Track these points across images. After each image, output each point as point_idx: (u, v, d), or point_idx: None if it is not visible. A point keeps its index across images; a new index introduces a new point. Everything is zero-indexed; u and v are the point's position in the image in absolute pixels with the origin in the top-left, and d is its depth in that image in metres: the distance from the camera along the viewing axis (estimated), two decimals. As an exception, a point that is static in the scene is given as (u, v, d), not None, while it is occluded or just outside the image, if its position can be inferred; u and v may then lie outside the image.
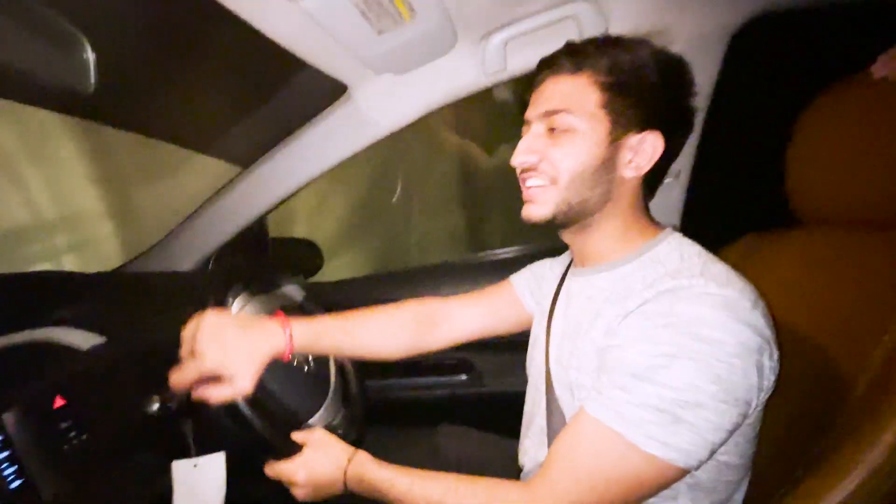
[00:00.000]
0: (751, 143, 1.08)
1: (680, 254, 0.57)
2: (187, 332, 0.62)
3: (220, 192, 1.08)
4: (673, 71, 0.59)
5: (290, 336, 0.65)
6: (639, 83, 0.57)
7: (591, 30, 0.80)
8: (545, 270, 0.80)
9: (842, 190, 0.64)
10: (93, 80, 0.54)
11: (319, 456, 0.65)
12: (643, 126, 0.57)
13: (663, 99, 0.58)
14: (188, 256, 1.13)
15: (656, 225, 0.63)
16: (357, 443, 0.76)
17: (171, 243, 1.13)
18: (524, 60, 0.84)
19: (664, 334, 0.50)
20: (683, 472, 0.49)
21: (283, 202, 1.07)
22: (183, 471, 0.65)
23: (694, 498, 0.55)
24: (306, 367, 0.82)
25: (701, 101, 0.90)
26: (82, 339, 0.72)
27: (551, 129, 0.59)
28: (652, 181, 0.61)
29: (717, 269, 0.53)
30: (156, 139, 0.97)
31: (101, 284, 1.03)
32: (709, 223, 0.99)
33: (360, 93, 0.89)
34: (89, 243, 1.21)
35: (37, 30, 0.48)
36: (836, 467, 0.47)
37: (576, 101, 0.57)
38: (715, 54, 0.87)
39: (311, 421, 0.79)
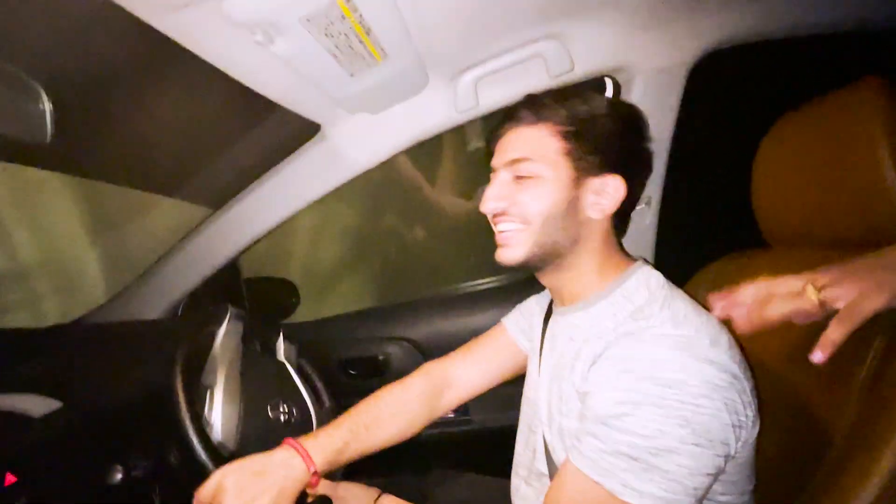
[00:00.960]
0: (717, 169, 1.13)
1: (647, 287, 0.59)
2: (205, 494, 0.57)
3: (189, 234, 1.04)
4: (628, 118, 0.63)
5: (309, 460, 0.60)
6: (596, 130, 0.60)
7: (558, 67, 0.82)
8: (532, 306, 0.80)
9: (806, 211, 0.66)
10: (49, 129, 0.51)
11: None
12: (603, 170, 0.60)
13: (620, 144, 0.61)
14: (156, 303, 1.08)
15: (628, 258, 0.65)
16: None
17: (138, 290, 1.08)
18: (495, 97, 0.86)
19: (626, 380, 0.50)
20: None
21: (255, 243, 1.04)
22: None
23: None
24: (285, 418, 0.78)
25: (665, 129, 0.94)
26: (35, 405, 0.66)
27: (517, 177, 0.61)
28: (621, 219, 0.64)
29: (678, 305, 0.55)
30: (120, 186, 0.93)
31: (55, 340, 0.96)
32: (682, 248, 1.01)
33: (333, 131, 0.89)
34: (60, 290, 1.14)
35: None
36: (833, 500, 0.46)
37: (538, 149, 0.60)
38: (675, 87, 0.91)
39: None
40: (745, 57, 0.91)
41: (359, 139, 0.89)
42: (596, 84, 0.92)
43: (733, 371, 0.50)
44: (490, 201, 0.63)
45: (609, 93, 0.93)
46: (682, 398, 0.47)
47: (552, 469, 0.61)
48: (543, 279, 0.66)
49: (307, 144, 0.92)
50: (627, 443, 0.48)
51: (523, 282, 1.21)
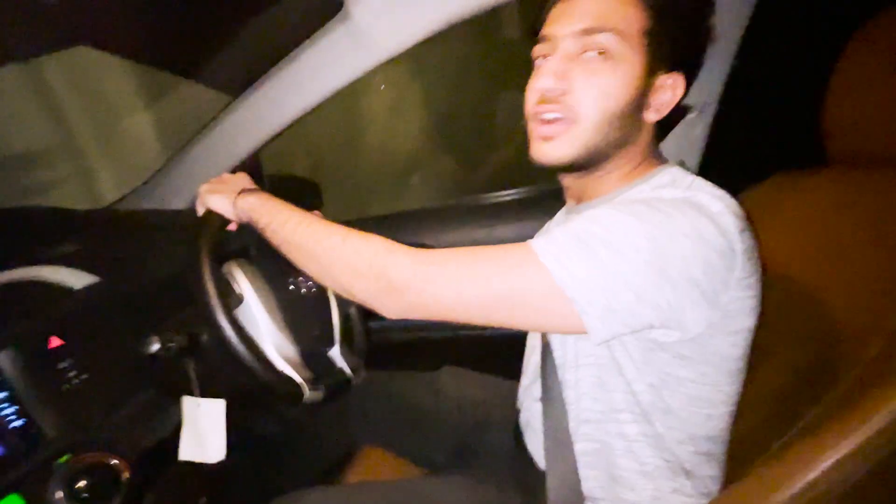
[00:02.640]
0: (784, 78, 1.00)
1: (672, 178, 0.54)
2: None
3: (209, 124, 1.00)
4: (705, 8, 0.57)
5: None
6: (680, 15, 0.53)
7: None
8: (555, 219, 0.77)
9: (886, 125, 0.58)
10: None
11: (244, 177, 0.70)
12: (674, 66, 0.54)
13: (699, 35, 0.56)
14: (180, 194, 1.08)
15: (661, 160, 0.60)
16: (347, 387, 0.76)
17: (162, 181, 1.07)
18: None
19: (621, 202, 0.49)
20: (569, 310, 0.44)
21: (277, 136, 1.00)
22: (190, 407, 0.65)
23: (668, 425, 0.54)
24: (305, 290, 0.80)
25: (737, 25, 0.82)
26: (74, 278, 0.69)
27: (587, 53, 0.51)
28: (666, 123, 0.58)
29: (706, 187, 0.50)
30: (134, 61, 0.88)
31: (92, 222, 0.99)
32: (732, 161, 0.93)
33: (357, 7, 0.79)
34: (82, 176, 1.15)
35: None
36: (841, 423, 0.44)
37: (620, 20, 0.50)
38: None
39: (312, 358, 0.78)
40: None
41: (386, 17, 0.79)
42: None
43: (734, 245, 0.46)
44: (547, 77, 0.52)
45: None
46: (665, 227, 0.44)
47: (546, 359, 0.62)
48: (568, 179, 0.60)
49: (329, 24, 0.83)
50: (585, 227, 0.46)
51: (550, 193, 1.16)
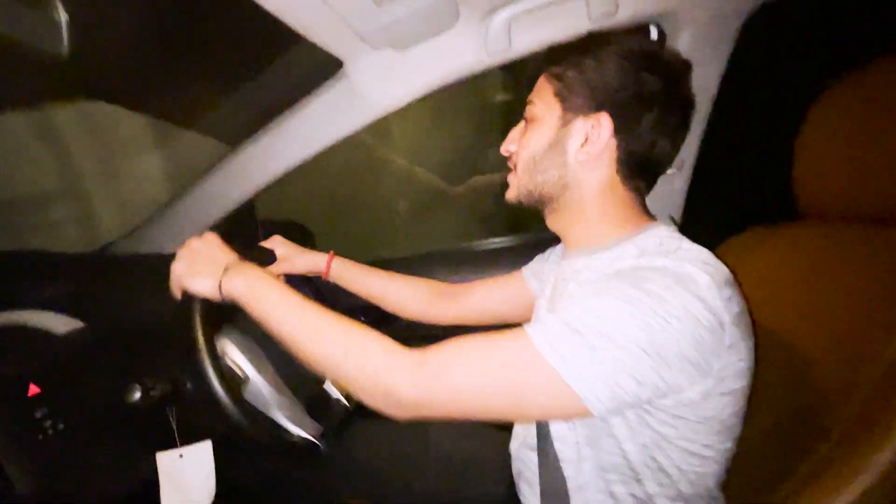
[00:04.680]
0: (757, 134, 1.07)
1: (660, 241, 0.56)
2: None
3: (208, 172, 1.03)
4: (636, 54, 0.59)
5: (330, 262, 0.85)
6: (595, 70, 0.59)
7: (599, 9, 0.76)
8: (549, 257, 0.82)
9: (851, 183, 0.61)
10: (65, 41, 0.49)
11: (219, 244, 0.65)
12: (593, 110, 0.59)
13: (618, 80, 0.58)
14: (174, 238, 1.08)
15: (647, 217, 0.63)
16: (342, 432, 0.75)
17: (156, 225, 1.08)
18: (529, 40, 0.81)
19: (609, 282, 0.50)
20: (577, 403, 0.46)
21: (272, 184, 1.03)
22: (168, 462, 0.63)
23: (661, 483, 0.54)
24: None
25: (709, 86, 0.88)
26: (59, 323, 0.68)
27: (526, 121, 0.65)
28: (630, 169, 0.60)
29: (691, 254, 0.52)
30: (138, 113, 0.91)
31: (81, 265, 0.99)
32: (711, 215, 0.97)
33: (356, 69, 0.85)
34: (80, 218, 1.15)
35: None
36: (826, 484, 0.45)
37: (538, 93, 0.63)
38: (725, 40, 0.84)
39: (284, 403, 0.76)
40: (803, 13, 0.83)
41: (382, 78, 0.85)
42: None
43: (721, 318, 0.47)
44: (504, 144, 0.67)
45: (654, 36, 0.86)
46: (655, 309, 0.46)
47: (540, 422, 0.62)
48: (548, 223, 0.67)
49: (328, 82, 0.88)
50: (579, 318, 0.47)
51: (542, 241, 1.18)
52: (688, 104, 0.62)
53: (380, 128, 1.08)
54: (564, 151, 0.60)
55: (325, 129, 0.92)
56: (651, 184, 0.64)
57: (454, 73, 0.85)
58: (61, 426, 0.58)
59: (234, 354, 0.70)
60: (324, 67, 0.86)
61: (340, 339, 0.53)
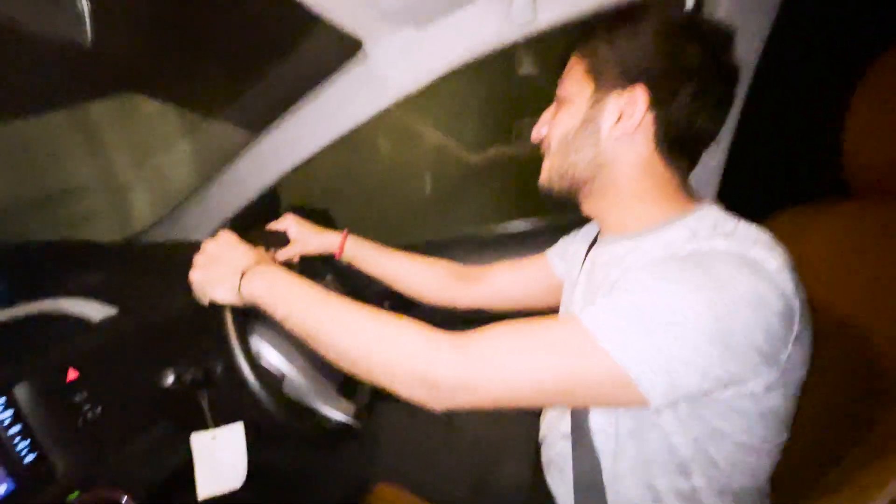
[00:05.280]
0: (803, 108, 1.00)
1: (713, 222, 0.52)
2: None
3: (232, 159, 1.03)
4: (675, 27, 0.55)
5: (344, 241, 0.82)
6: (625, 41, 0.55)
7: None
8: (575, 239, 0.79)
9: None
10: (89, 30, 0.49)
11: (234, 244, 0.64)
12: (626, 82, 0.55)
13: (649, 53, 0.54)
14: (202, 225, 1.10)
15: (691, 198, 0.59)
16: (367, 412, 0.76)
17: (184, 212, 1.10)
18: (555, 12, 0.77)
19: (671, 266, 0.46)
20: (634, 392, 0.43)
21: (296, 169, 1.03)
22: (202, 443, 0.64)
23: (710, 476, 0.51)
24: None
25: (749, 56, 0.83)
26: (94, 311, 0.70)
27: (557, 103, 0.62)
28: (673, 144, 0.56)
29: (751, 233, 0.49)
30: (161, 101, 0.92)
31: (113, 254, 1.01)
32: (750, 192, 0.92)
33: (376, 49, 0.82)
34: (115, 208, 1.19)
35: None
36: (875, 473, 0.42)
37: (568, 73, 0.60)
38: (768, 7, 0.78)
39: (319, 389, 0.77)
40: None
41: (402, 58, 0.82)
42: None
43: (792, 304, 0.44)
44: (535, 128, 0.64)
45: (690, 5, 0.81)
46: (724, 295, 0.42)
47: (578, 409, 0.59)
48: (584, 208, 0.63)
49: (348, 64, 0.87)
50: (639, 301, 0.43)
51: (567, 225, 1.15)
52: (731, 75, 0.57)
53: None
54: (598, 129, 0.57)
55: (347, 112, 0.91)
56: (694, 162, 0.59)
57: (477, 49, 0.81)
58: (99, 410, 0.60)
59: (268, 354, 0.70)
60: (343, 49, 0.84)
61: (369, 327, 0.51)
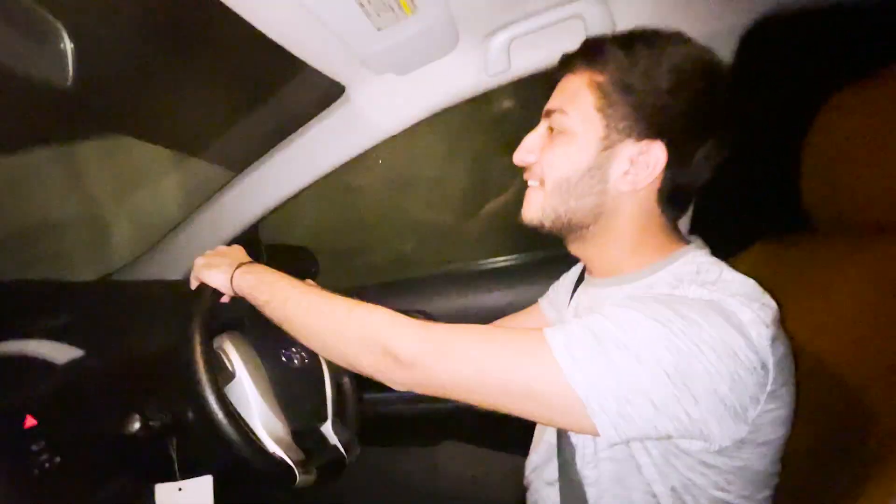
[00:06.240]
0: (762, 145, 1.06)
1: (697, 268, 0.51)
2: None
3: (212, 198, 1.04)
4: (696, 73, 0.51)
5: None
6: (644, 84, 0.51)
7: (598, 29, 0.77)
8: (561, 284, 0.78)
9: (861, 192, 0.60)
10: (70, 72, 0.50)
11: (239, 250, 0.72)
12: (644, 134, 0.51)
13: (674, 103, 0.50)
14: (178, 265, 1.08)
15: (679, 240, 0.57)
16: (341, 466, 0.72)
17: (162, 251, 1.09)
18: (529, 61, 0.82)
19: (642, 300, 0.46)
20: (583, 414, 0.42)
21: (277, 208, 1.03)
22: (166, 495, 0.61)
23: None
24: (298, 362, 0.77)
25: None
26: (59, 353, 0.67)
27: (551, 129, 0.56)
28: (672, 197, 0.54)
29: (734, 286, 0.47)
30: (143, 141, 0.92)
31: (81, 293, 0.98)
32: (719, 229, 0.96)
33: (358, 94, 0.86)
34: (80, 250, 1.16)
35: (7, 16, 0.44)
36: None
37: (572, 101, 0.54)
38: (723, 55, 0.84)
39: (303, 436, 0.74)
40: (801, 25, 0.84)
41: (384, 102, 0.86)
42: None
43: (765, 360, 0.42)
44: (519, 151, 0.58)
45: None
46: (688, 333, 0.41)
47: (562, 438, 0.58)
48: (570, 248, 0.60)
49: (331, 107, 0.89)
50: (601, 324, 0.44)
51: (548, 259, 1.17)
52: (738, 126, 0.54)
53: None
54: (605, 178, 0.53)
55: (329, 153, 0.93)
56: (686, 209, 0.59)
57: (455, 95, 0.85)
58: (58, 459, 0.56)
59: (229, 350, 0.68)
60: (326, 93, 0.87)
61: (340, 308, 0.53)
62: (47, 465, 0.55)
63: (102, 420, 0.61)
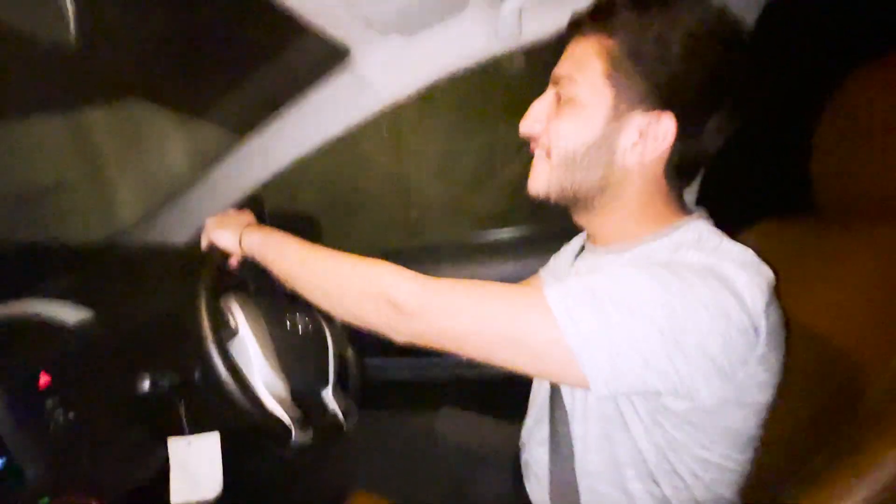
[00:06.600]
0: (773, 123, 1.03)
1: (698, 237, 0.52)
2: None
3: (215, 161, 1.03)
4: (712, 40, 0.48)
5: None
6: (654, 52, 0.48)
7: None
8: (561, 254, 0.78)
9: (872, 175, 0.59)
10: (72, 30, 0.49)
11: (247, 214, 0.73)
12: (654, 105, 0.50)
13: (686, 71, 0.48)
14: (182, 228, 1.09)
15: (683, 210, 0.57)
16: (338, 431, 0.74)
17: (166, 214, 1.09)
18: (541, 26, 0.78)
19: (640, 263, 0.47)
20: (576, 370, 0.43)
21: (280, 174, 1.02)
22: (178, 449, 0.63)
23: (675, 486, 0.52)
24: (302, 328, 0.78)
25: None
26: (69, 314, 0.69)
27: (559, 98, 0.54)
28: (681, 169, 0.53)
29: (732, 253, 0.48)
30: (148, 101, 0.91)
31: (90, 255, 0.99)
32: (724, 205, 0.95)
33: (363, 57, 0.83)
34: (85, 209, 1.16)
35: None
36: (835, 483, 0.43)
37: (580, 68, 0.52)
38: (745, 20, 0.81)
39: (303, 398, 0.76)
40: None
41: (390, 66, 0.83)
42: None
43: (757, 323, 0.43)
44: (526, 121, 0.56)
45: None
46: (684, 293, 0.42)
47: (554, 400, 0.60)
48: (574, 216, 0.60)
49: (336, 70, 0.87)
50: (599, 283, 0.45)
51: (555, 233, 1.17)
52: (753, 97, 0.53)
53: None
54: (613, 149, 0.52)
55: (334, 118, 0.91)
56: (693, 178, 0.58)
57: (463, 60, 0.83)
58: (72, 415, 0.59)
59: (234, 307, 0.70)
60: (331, 55, 0.85)
61: (345, 263, 0.55)
62: (62, 420, 0.58)
63: (113, 379, 0.63)
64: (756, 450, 0.52)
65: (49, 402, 0.57)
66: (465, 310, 0.47)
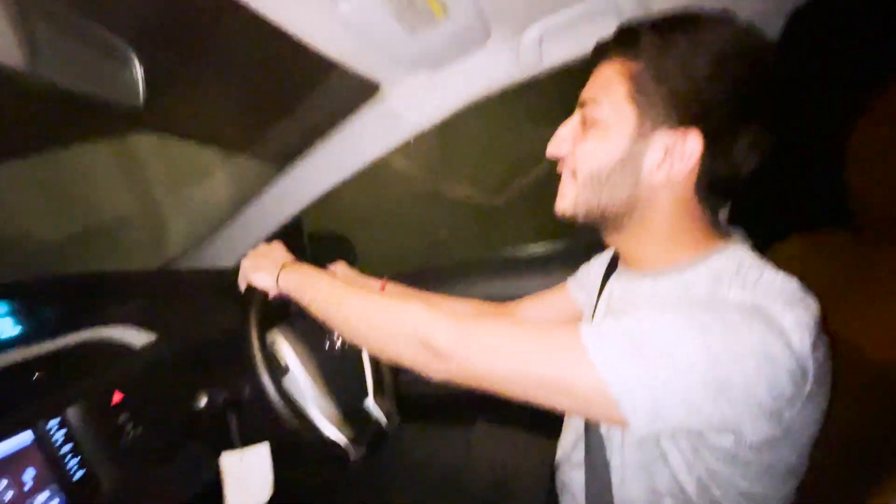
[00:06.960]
0: (805, 135, 1.01)
1: (737, 266, 0.49)
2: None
3: (259, 192, 1.10)
4: (737, 59, 0.48)
5: (383, 287, 0.75)
6: (676, 72, 0.48)
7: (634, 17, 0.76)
8: (593, 267, 0.79)
9: None
10: (141, 94, 0.55)
11: (280, 248, 0.75)
12: (679, 123, 0.49)
13: (709, 93, 0.48)
14: (229, 253, 1.17)
15: (720, 234, 0.56)
16: (384, 436, 0.77)
17: (214, 241, 1.17)
18: (560, 53, 0.81)
19: (682, 305, 0.45)
20: (612, 410, 0.42)
21: (318, 200, 1.09)
22: (230, 462, 0.68)
23: None
24: (339, 347, 0.83)
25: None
26: (135, 337, 0.76)
27: (584, 119, 0.55)
28: (714, 189, 0.52)
29: (776, 284, 0.46)
30: (198, 142, 0.99)
31: (149, 282, 1.08)
32: (755, 220, 0.93)
33: (392, 90, 0.89)
34: (141, 242, 1.27)
35: (88, 47, 0.49)
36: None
37: (604, 90, 0.53)
38: (769, 36, 0.81)
39: (351, 413, 0.80)
40: (855, 5, 0.78)
41: (418, 98, 0.88)
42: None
43: (805, 365, 0.42)
44: (552, 144, 0.57)
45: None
46: (727, 340, 0.40)
47: (589, 424, 0.60)
48: (606, 238, 0.60)
49: (367, 104, 0.93)
50: (640, 327, 0.43)
51: (582, 248, 1.17)
52: (783, 113, 0.51)
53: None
54: (638, 169, 0.51)
55: (365, 147, 0.97)
56: (729, 199, 0.58)
57: (486, 88, 0.87)
58: (140, 430, 0.65)
59: (281, 345, 0.75)
60: (362, 91, 0.91)
61: (382, 305, 0.56)
62: (131, 434, 0.64)
63: (175, 396, 0.69)
64: (799, 478, 0.51)
65: (121, 417, 0.63)
66: (501, 354, 0.47)
